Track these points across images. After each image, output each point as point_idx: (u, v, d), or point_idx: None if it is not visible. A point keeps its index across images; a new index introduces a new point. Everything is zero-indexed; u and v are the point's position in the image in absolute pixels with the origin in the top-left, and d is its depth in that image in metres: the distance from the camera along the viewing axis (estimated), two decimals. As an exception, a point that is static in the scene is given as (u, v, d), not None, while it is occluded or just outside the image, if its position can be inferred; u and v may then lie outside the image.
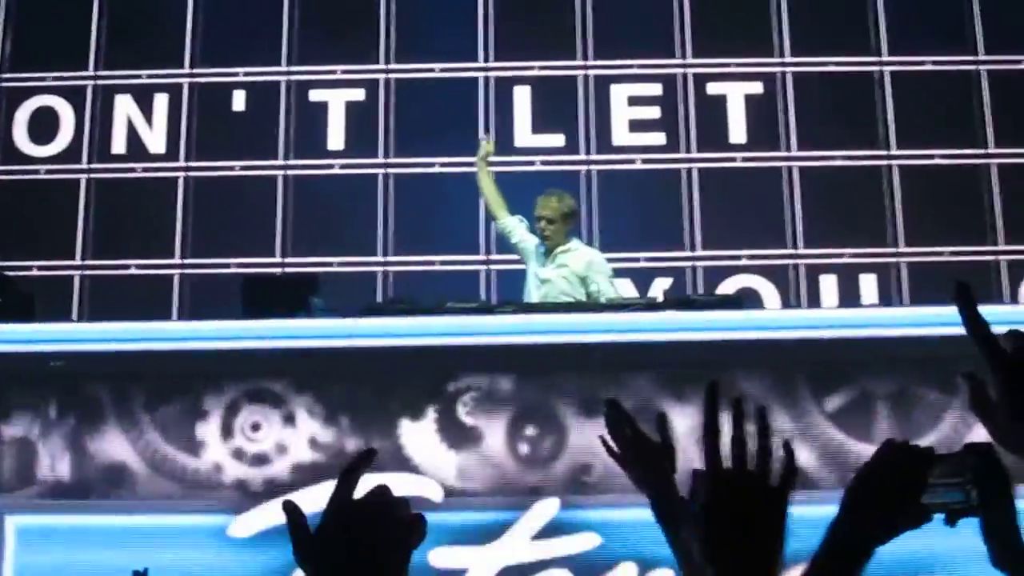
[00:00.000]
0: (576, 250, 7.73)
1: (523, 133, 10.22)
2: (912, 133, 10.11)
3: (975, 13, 10.30)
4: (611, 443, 2.53)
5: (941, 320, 7.32)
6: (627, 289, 9.33)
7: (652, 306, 7.35)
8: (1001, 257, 9.83)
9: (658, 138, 10.24)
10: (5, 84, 10.40)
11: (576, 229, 7.82)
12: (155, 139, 10.33)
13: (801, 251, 9.91)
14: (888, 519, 1.80)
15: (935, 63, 10.27)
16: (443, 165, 9.89)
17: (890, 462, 1.93)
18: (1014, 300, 9.29)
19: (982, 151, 10.05)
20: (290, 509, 2.07)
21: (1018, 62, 10.21)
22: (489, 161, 8.03)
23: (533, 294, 7.58)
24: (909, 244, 9.86)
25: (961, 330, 5.90)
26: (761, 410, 1.81)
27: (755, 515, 1.59)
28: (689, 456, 2.53)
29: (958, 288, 1.54)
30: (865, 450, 7.02)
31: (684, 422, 4.87)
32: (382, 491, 1.62)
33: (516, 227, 7.82)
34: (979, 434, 5.80)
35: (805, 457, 7.05)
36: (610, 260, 8.53)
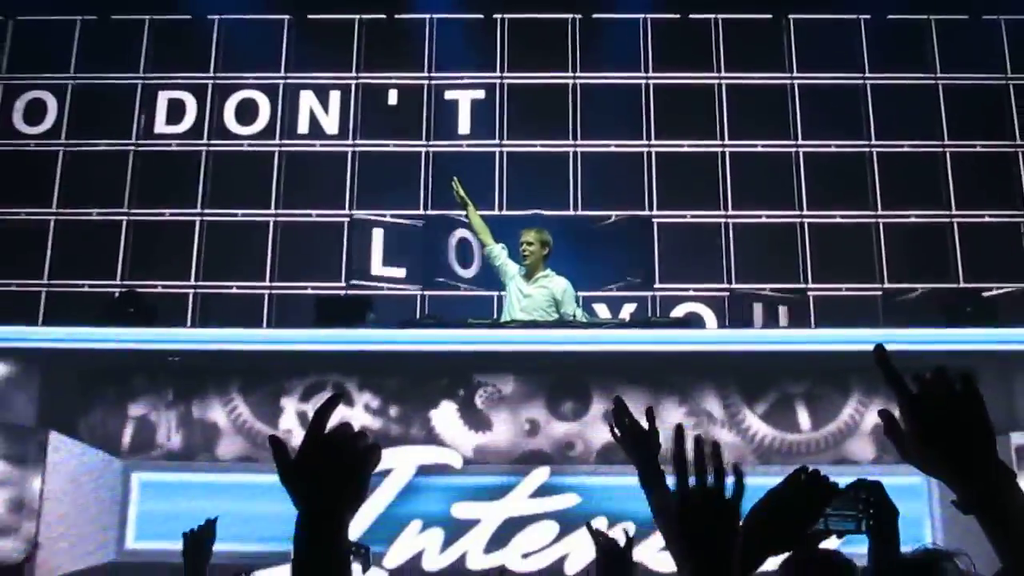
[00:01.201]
0: (553, 277, 7.64)
1: (528, 194, 10.15)
2: (820, 199, 10.06)
3: (869, 108, 10.27)
4: (615, 428, 2.63)
5: (839, 339, 7.31)
6: (602, 311, 9.30)
7: (621, 324, 7.32)
8: (887, 292, 9.77)
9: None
10: (141, 148, 10.36)
11: (551, 260, 7.70)
12: (252, 192, 10.30)
13: (735, 285, 9.84)
14: (780, 539, 1.88)
15: (838, 146, 10.23)
16: (464, 219, 9.80)
17: (796, 490, 2.04)
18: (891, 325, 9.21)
19: (872, 213, 9.99)
20: (275, 442, 2.14)
21: (900, 146, 10.16)
22: (469, 199, 7.91)
23: (515, 306, 7.44)
24: (816, 282, 9.79)
25: (851, 346, 5.78)
26: (715, 444, 1.81)
27: (716, 520, 1.61)
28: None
29: (876, 348, 1.48)
30: (783, 436, 6.96)
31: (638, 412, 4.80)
32: (346, 427, 1.61)
33: (500, 253, 7.75)
34: (871, 420, 5.69)
35: (730, 439, 7.00)
36: (586, 293, 8.52)
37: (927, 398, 1.43)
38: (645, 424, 2.60)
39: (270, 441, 1.73)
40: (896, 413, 1.46)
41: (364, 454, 1.67)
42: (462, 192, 7.84)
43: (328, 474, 1.60)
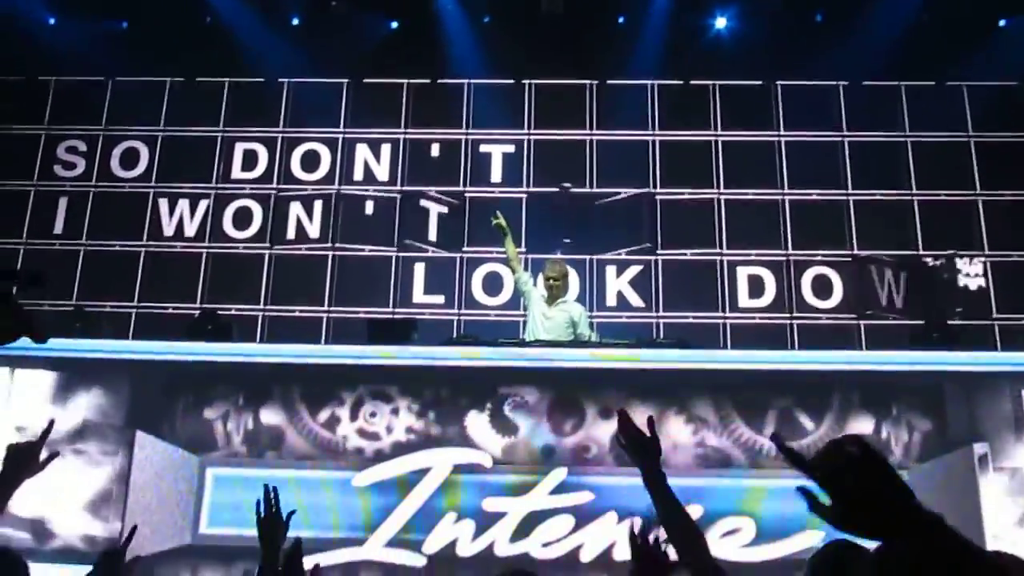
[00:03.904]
0: (571, 303, 7.72)
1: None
2: (804, 240, 10.00)
3: (847, 162, 10.22)
4: (621, 436, 2.59)
5: (819, 360, 7.25)
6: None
7: (629, 345, 7.27)
8: (864, 323, 9.66)
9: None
10: (220, 191, 10.43)
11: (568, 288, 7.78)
12: (313, 229, 10.32)
13: (728, 315, 9.77)
14: None
15: (819, 194, 10.18)
16: (499, 253, 9.79)
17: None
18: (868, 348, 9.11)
19: (850, 252, 9.94)
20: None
21: (874, 194, 10.10)
22: (508, 229, 7.92)
23: (539, 327, 7.47)
24: (799, 311, 9.72)
25: (831, 366, 5.65)
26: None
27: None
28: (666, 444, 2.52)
29: (773, 437, 1.43)
30: (760, 440, 6.87)
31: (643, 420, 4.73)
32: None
33: (528, 280, 7.78)
34: (850, 432, 5.61)
35: (725, 444, 6.92)
36: (598, 316, 8.49)
37: (833, 473, 1.31)
38: (647, 432, 2.56)
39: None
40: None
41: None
42: (504, 223, 7.85)
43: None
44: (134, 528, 3.26)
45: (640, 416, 2.60)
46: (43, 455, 2.58)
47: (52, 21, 10.70)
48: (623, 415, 2.59)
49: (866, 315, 9.62)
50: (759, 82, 10.54)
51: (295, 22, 10.76)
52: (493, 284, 9.95)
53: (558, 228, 10.10)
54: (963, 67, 10.04)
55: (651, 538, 2.52)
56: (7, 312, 1.24)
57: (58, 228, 10.32)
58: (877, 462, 1.30)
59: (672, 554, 2.48)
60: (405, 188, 10.39)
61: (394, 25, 10.80)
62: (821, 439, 6.91)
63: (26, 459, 2.55)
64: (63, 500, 6.71)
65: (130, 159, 10.58)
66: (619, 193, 10.19)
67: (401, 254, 10.15)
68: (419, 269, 10.14)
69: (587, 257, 9.99)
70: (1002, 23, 10.25)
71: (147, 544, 6.45)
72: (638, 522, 2.63)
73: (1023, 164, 9.98)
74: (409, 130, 10.62)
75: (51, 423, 2.59)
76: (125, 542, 3.14)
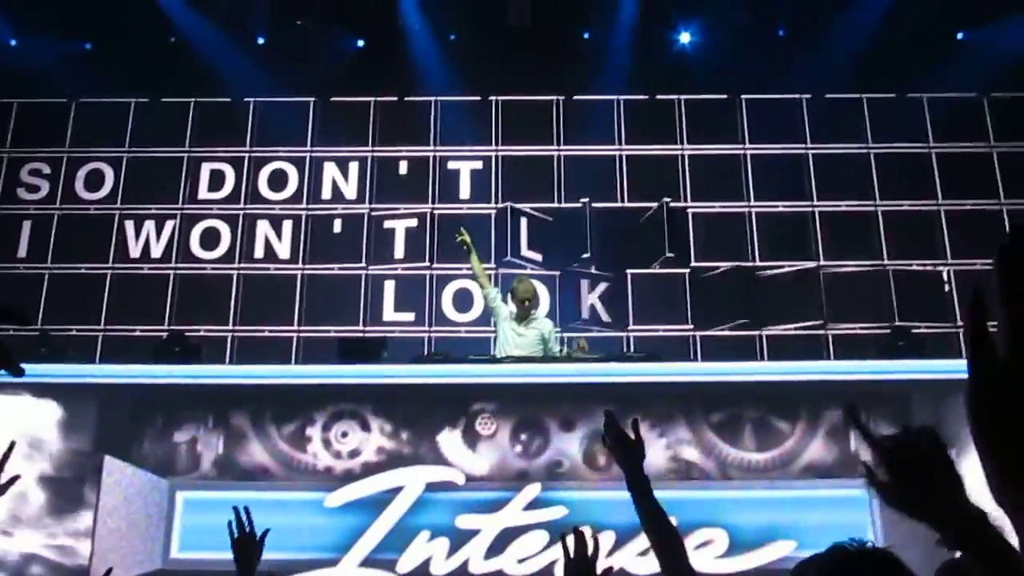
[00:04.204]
0: (542, 320, 7.72)
1: (523, 248, 10.12)
2: (770, 252, 10.08)
3: (812, 174, 10.32)
4: (607, 437, 2.62)
5: (787, 371, 7.30)
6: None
7: (600, 359, 7.29)
8: (831, 332, 9.74)
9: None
10: (186, 212, 10.37)
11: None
12: (282, 249, 10.28)
13: (697, 329, 9.83)
14: None
15: (785, 207, 10.29)
16: (469, 269, 9.76)
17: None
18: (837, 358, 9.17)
19: (815, 263, 10.02)
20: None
21: (839, 206, 10.21)
22: (473, 247, 7.88)
23: (509, 343, 7.46)
24: (767, 324, 9.78)
25: (797, 376, 5.70)
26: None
27: None
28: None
29: (848, 409, 1.53)
30: (741, 455, 6.91)
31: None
32: None
33: (496, 296, 7.78)
34: (820, 442, 5.59)
35: (696, 456, 6.95)
36: (569, 332, 8.52)
37: (899, 454, 1.44)
38: (632, 435, 2.60)
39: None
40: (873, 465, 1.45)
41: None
42: (468, 240, 7.84)
43: None
44: (109, 571, 3.25)
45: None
46: (3, 478, 2.53)
47: (13, 43, 10.60)
48: (610, 416, 2.63)
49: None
50: (724, 96, 10.63)
51: (260, 41, 10.72)
52: (463, 301, 9.94)
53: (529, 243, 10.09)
54: (923, 79, 10.20)
55: (571, 541, 2.58)
56: None
57: (22, 251, 10.19)
58: (942, 452, 1.43)
59: (600, 566, 2.52)
60: (374, 206, 10.36)
61: (360, 43, 10.81)
62: (794, 446, 6.97)
63: None
64: (30, 528, 6.62)
65: (95, 181, 10.47)
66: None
67: (371, 272, 10.12)
68: (389, 287, 10.11)
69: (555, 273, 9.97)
70: (960, 36, 10.42)
71: (118, 570, 6.36)
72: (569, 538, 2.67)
73: (983, 174, 10.14)
74: (377, 148, 10.61)
75: (12, 445, 2.54)
76: None
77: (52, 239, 10.22)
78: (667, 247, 9.55)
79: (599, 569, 2.56)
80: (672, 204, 9.77)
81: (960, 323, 9.56)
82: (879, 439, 1.46)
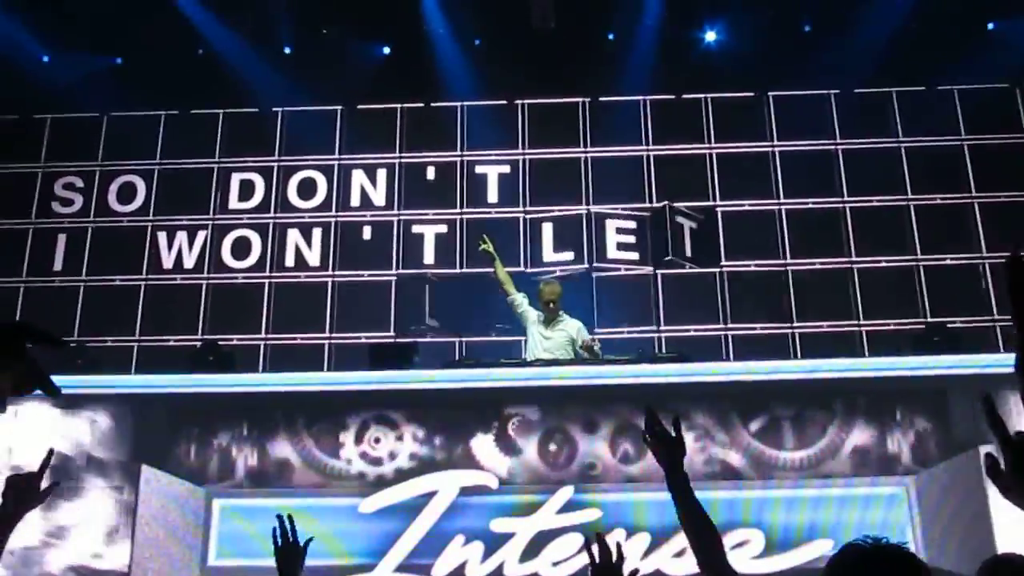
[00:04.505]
0: (567, 320, 7.68)
1: (547, 252, 10.14)
2: (801, 249, 10.01)
3: (841, 169, 10.24)
4: (647, 434, 2.63)
5: (821, 368, 7.23)
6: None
7: (630, 360, 7.26)
8: (864, 328, 9.66)
9: (634, 255, 10.11)
10: (218, 222, 10.46)
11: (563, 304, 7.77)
12: (313, 257, 10.34)
13: (729, 326, 9.78)
14: None
15: (815, 203, 10.21)
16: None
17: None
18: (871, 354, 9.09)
19: (847, 260, 9.93)
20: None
21: (870, 201, 10.12)
22: (496, 253, 7.92)
23: (538, 347, 7.50)
24: (799, 321, 9.72)
25: (831, 373, 5.67)
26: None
27: None
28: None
29: (985, 399, 1.51)
30: (775, 453, 6.87)
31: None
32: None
33: (522, 301, 7.80)
34: (853, 440, 5.55)
35: (731, 456, 6.91)
36: (600, 332, 8.51)
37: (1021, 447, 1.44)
38: (673, 432, 2.60)
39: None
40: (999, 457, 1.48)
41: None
42: (491, 248, 7.86)
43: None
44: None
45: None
46: (42, 485, 2.57)
47: (46, 59, 10.75)
48: (651, 414, 2.64)
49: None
50: (751, 94, 10.58)
51: (287, 51, 10.80)
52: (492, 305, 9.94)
53: (557, 246, 10.11)
54: (953, 71, 10.08)
55: (596, 549, 2.57)
56: (23, 368, 1.27)
57: (58, 265, 10.34)
58: None
59: (626, 569, 2.56)
60: (403, 212, 10.40)
61: (386, 51, 10.86)
62: (829, 444, 6.92)
63: (26, 491, 2.54)
64: (70, 537, 6.69)
65: (127, 193, 10.60)
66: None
67: (401, 276, 10.16)
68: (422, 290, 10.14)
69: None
70: (990, 26, 10.29)
71: (156, 578, 6.44)
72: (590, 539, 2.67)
73: (1016, 165, 10.01)
74: (404, 154, 10.65)
75: (50, 452, 2.59)
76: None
77: (87, 252, 10.36)
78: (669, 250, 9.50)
79: (625, 573, 2.56)
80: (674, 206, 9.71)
81: (998, 317, 9.45)
82: (1009, 435, 1.47)
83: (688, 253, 9.45)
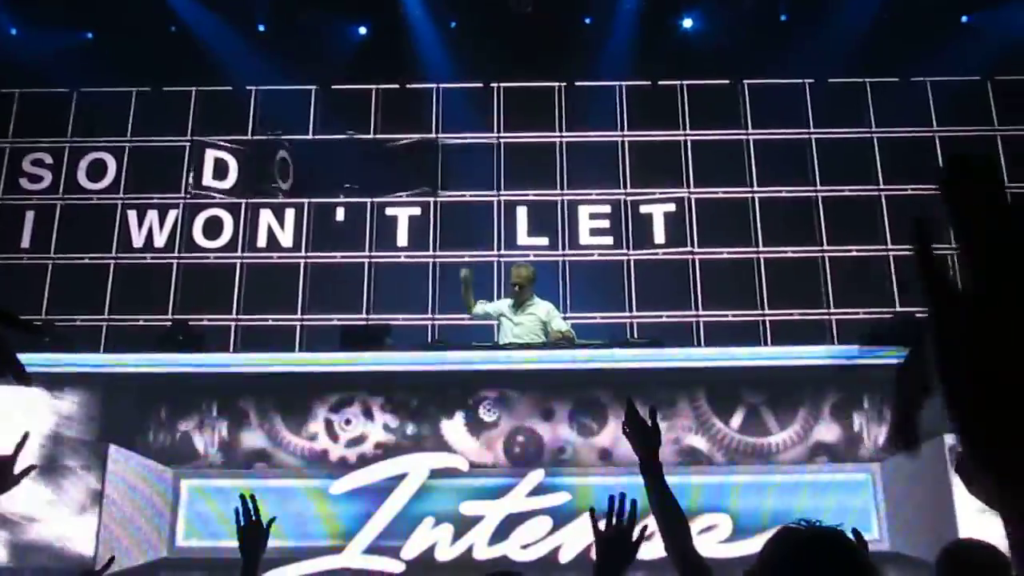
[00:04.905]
0: (537, 304, 7.69)
1: (522, 236, 10.16)
2: (773, 237, 10.08)
3: (815, 159, 10.31)
4: (626, 424, 2.68)
5: (790, 355, 7.29)
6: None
7: (603, 345, 7.28)
8: (834, 316, 9.76)
9: (608, 240, 10.16)
10: (189, 201, 10.38)
11: (537, 289, 7.79)
12: (285, 238, 10.29)
13: (700, 313, 9.83)
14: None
15: (788, 192, 10.27)
16: (471, 257, 9.81)
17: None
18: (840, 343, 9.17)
19: (818, 248, 10.00)
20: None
21: (842, 190, 10.20)
22: (471, 281, 7.87)
23: (508, 333, 7.52)
24: (770, 308, 9.79)
25: (800, 360, 5.67)
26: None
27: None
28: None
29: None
30: (746, 439, 6.92)
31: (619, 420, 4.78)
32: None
33: (483, 307, 7.85)
34: (823, 426, 5.58)
35: (701, 442, 6.96)
36: (572, 317, 8.53)
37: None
38: (649, 421, 2.65)
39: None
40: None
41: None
42: (469, 278, 7.82)
43: None
44: (111, 560, 3.27)
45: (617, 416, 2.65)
46: (17, 469, 2.56)
47: (14, 31, 10.59)
48: (630, 404, 2.68)
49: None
50: (726, 81, 10.61)
51: (261, 29, 10.70)
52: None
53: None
54: (927, 63, 10.16)
55: (603, 524, 2.56)
56: None
57: (25, 242, 10.22)
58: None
59: (635, 534, 2.54)
60: (375, 199, 10.36)
61: (362, 31, 10.79)
62: (795, 433, 6.98)
63: (0, 473, 2.53)
64: (36, 517, 6.65)
65: (97, 171, 10.48)
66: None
67: (374, 260, 10.14)
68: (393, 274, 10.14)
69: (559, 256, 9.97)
70: (965, 19, 10.37)
71: (124, 559, 6.41)
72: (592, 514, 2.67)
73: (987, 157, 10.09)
74: (379, 135, 10.60)
75: (26, 436, 2.58)
76: (103, 568, 3.11)
77: (55, 229, 10.24)
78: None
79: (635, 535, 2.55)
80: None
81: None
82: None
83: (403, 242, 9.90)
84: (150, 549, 6.67)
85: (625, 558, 2.57)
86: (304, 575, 6.57)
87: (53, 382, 6.91)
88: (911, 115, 10.32)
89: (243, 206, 10.34)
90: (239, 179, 10.25)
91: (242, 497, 3.00)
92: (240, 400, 7.11)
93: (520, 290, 7.60)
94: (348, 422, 6.99)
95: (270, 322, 9.92)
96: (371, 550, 6.61)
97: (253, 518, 2.98)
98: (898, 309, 9.26)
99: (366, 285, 10.05)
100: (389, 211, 10.33)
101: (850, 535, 2.71)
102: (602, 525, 2.59)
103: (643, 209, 10.23)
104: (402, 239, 10.24)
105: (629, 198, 10.27)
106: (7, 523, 6.56)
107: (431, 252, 10.13)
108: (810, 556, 1.69)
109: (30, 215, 10.31)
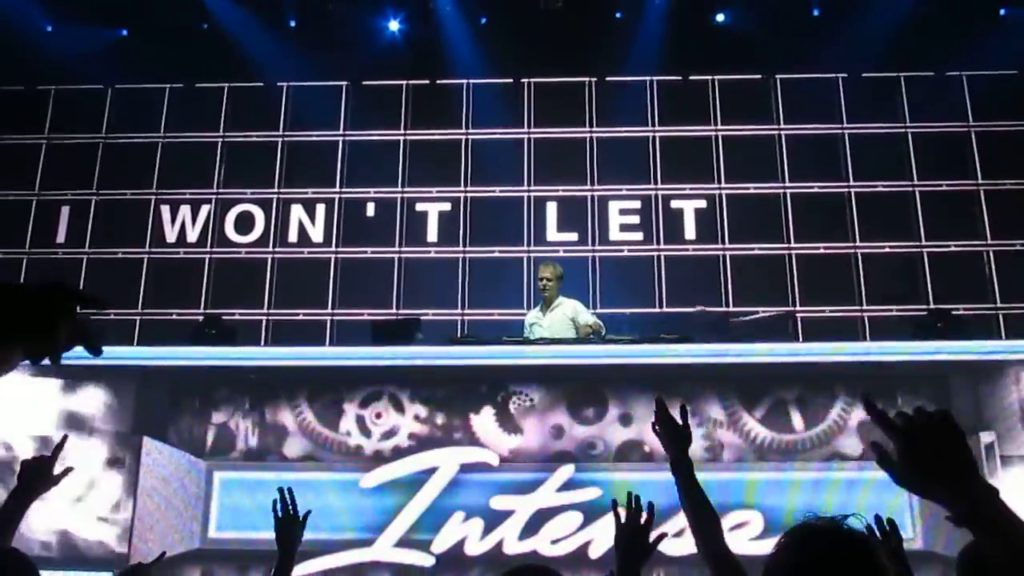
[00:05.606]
0: (565, 303, 7.72)
1: (552, 231, 10.16)
2: (805, 233, 10.00)
3: (847, 154, 10.21)
4: (656, 423, 2.73)
5: (823, 352, 7.23)
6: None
7: (633, 340, 7.25)
8: (867, 314, 9.67)
9: (638, 236, 10.14)
10: (221, 196, 10.46)
11: (565, 287, 7.78)
12: (316, 233, 10.34)
13: (731, 309, 9.77)
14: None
15: (820, 187, 10.18)
16: (501, 252, 9.83)
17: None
18: (871, 339, 9.09)
19: (851, 244, 9.91)
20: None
21: (875, 186, 10.09)
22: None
23: (537, 332, 7.54)
24: (803, 304, 9.72)
25: (833, 357, 5.66)
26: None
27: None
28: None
29: (864, 401, 1.58)
30: (778, 436, 6.87)
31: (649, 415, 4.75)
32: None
33: (528, 336, 7.75)
34: (855, 420, 5.52)
35: (731, 438, 6.92)
36: (603, 312, 8.52)
37: (912, 434, 1.47)
38: (680, 420, 2.69)
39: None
40: (888, 446, 1.50)
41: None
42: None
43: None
44: (162, 555, 3.34)
45: (648, 411, 2.67)
46: (57, 469, 2.62)
47: (49, 29, 10.71)
48: (661, 403, 2.71)
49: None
50: (758, 76, 10.54)
51: (292, 25, 10.74)
52: (495, 283, 9.97)
53: (562, 224, 10.15)
54: (963, 57, 10.04)
55: (623, 512, 2.65)
56: (73, 324, 1.31)
57: (60, 237, 10.35)
58: (957, 433, 1.46)
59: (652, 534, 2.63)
60: (406, 190, 10.39)
61: (392, 27, 10.81)
62: (827, 430, 6.92)
63: (40, 474, 2.60)
64: (72, 508, 6.73)
65: (133, 167, 10.58)
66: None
67: (404, 255, 10.17)
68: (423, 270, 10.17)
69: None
70: (1003, 12, 10.22)
71: (156, 548, 6.47)
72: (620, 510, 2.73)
73: (1023, 153, 9.97)
74: (409, 131, 10.63)
75: (64, 439, 2.68)
76: (154, 562, 3.17)
77: (90, 224, 10.36)
78: None
79: (652, 537, 2.58)
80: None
81: (1001, 304, 9.45)
82: (892, 420, 1.48)
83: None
84: (184, 540, 6.73)
85: (643, 551, 2.60)
86: (335, 567, 6.60)
87: (87, 374, 6.99)
88: (946, 110, 10.20)
89: (274, 201, 10.41)
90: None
91: (280, 491, 3.04)
92: (272, 394, 7.15)
93: (549, 287, 7.61)
94: (379, 416, 7.02)
95: (301, 317, 9.98)
96: (401, 543, 6.63)
97: (291, 511, 3.01)
98: (932, 307, 9.14)
99: (396, 280, 10.09)
100: (419, 206, 10.36)
101: (875, 529, 2.68)
102: (623, 516, 2.62)
103: (674, 204, 10.20)
104: (432, 234, 10.26)
105: (660, 193, 10.22)
106: (45, 516, 6.64)
107: (461, 247, 10.15)
108: (818, 552, 1.68)
109: (65, 210, 10.44)
